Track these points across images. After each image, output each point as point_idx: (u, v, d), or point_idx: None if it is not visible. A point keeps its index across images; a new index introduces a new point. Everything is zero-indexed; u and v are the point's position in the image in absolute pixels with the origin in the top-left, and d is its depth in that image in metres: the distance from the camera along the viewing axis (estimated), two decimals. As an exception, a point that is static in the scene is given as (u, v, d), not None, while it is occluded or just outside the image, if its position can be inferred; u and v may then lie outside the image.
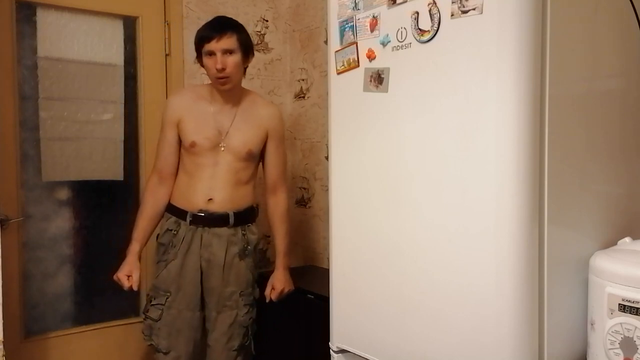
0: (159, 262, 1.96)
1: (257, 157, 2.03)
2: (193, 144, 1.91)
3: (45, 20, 2.16)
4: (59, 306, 2.23)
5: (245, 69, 1.98)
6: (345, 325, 1.42)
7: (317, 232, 2.66)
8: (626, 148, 1.27)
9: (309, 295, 2.17)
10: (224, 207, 1.93)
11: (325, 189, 2.56)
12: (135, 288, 1.93)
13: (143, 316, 1.99)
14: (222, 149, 1.93)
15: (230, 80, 1.88)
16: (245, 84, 2.64)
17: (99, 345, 2.28)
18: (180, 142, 1.96)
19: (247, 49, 1.92)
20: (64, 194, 2.25)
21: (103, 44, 2.28)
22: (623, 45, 1.24)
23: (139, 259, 1.97)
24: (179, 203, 1.95)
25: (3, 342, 1.52)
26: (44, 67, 2.16)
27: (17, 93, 2.10)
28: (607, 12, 1.20)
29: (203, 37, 1.86)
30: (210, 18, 2.57)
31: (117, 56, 2.32)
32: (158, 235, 1.99)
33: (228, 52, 1.85)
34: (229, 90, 1.92)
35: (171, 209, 1.97)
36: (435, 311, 1.18)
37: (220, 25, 1.88)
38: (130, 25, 2.34)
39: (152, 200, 1.98)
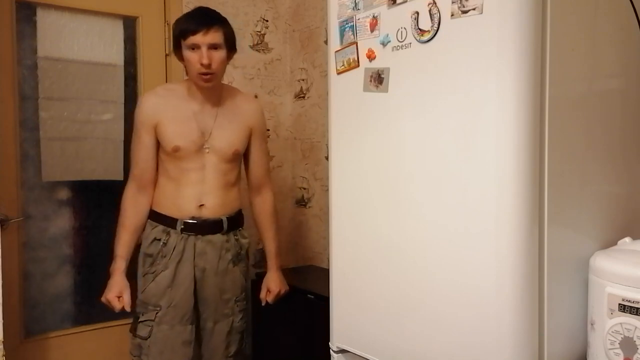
0: (145, 274, 1.81)
1: (242, 157, 1.94)
2: (176, 149, 1.77)
3: (45, 20, 2.16)
4: (59, 306, 2.24)
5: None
6: (345, 325, 1.42)
7: (317, 232, 2.66)
8: (626, 148, 1.27)
9: (309, 295, 2.17)
10: (216, 213, 1.82)
11: (325, 189, 2.56)
12: (128, 309, 1.78)
13: (130, 335, 1.83)
14: (207, 151, 1.81)
15: (214, 77, 1.76)
16: (245, 84, 2.65)
17: (99, 345, 2.28)
18: (158, 145, 1.81)
19: (232, 44, 1.81)
20: (64, 194, 2.25)
21: (103, 44, 2.28)
22: (623, 45, 1.24)
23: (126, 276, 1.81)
24: (166, 210, 1.81)
25: (3, 342, 1.52)
26: (44, 67, 2.16)
27: (17, 93, 2.10)
28: (607, 12, 1.20)
29: (187, 30, 1.72)
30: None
31: (117, 56, 2.32)
32: (141, 245, 1.85)
33: (214, 47, 1.72)
34: (210, 87, 1.79)
35: (157, 217, 1.83)
36: (435, 311, 1.18)
37: (207, 18, 1.74)
38: (130, 25, 2.34)
39: (133, 211, 1.83)
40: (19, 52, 2.11)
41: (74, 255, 2.26)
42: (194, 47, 1.71)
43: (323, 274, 2.30)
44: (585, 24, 1.15)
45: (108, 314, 2.29)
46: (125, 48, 2.33)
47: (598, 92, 1.20)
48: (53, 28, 2.18)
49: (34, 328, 2.17)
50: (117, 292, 1.77)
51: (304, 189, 2.74)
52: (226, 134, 1.84)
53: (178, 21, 1.79)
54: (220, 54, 1.74)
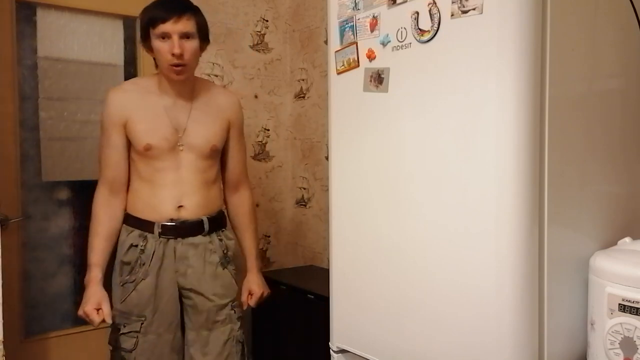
0: (124, 283, 1.68)
1: (220, 152, 1.81)
2: (148, 147, 1.64)
3: (45, 20, 2.16)
4: (59, 306, 2.24)
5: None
6: (345, 325, 1.42)
7: (317, 232, 2.66)
8: (626, 148, 1.27)
9: (309, 295, 2.17)
10: (196, 214, 1.70)
11: (325, 189, 2.56)
12: (109, 321, 1.61)
13: (110, 347, 1.70)
14: (181, 148, 1.68)
15: (187, 69, 1.63)
16: (245, 84, 2.66)
17: (99, 345, 2.28)
18: (129, 145, 1.69)
19: (205, 34, 1.68)
20: (64, 194, 2.26)
21: (103, 44, 2.28)
22: (623, 45, 1.24)
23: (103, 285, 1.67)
24: (142, 214, 1.68)
25: (3, 342, 1.52)
26: (44, 67, 2.17)
27: (17, 93, 2.10)
28: (607, 12, 1.20)
29: (156, 18, 1.58)
30: (210, 18, 2.57)
31: (117, 56, 2.32)
32: (117, 252, 1.71)
33: (186, 36, 1.60)
34: (183, 80, 1.66)
35: (132, 221, 1.70)
36: (435, 311, 1.18)
37: (178, 5, 1.61)
38: (130, 25, 2.34)
39: (106, 217, 1.68)
40: (19, 52, 2.11)
41: (74, 255, 2.26)
42: (165, 36, 1.59)
43: (323, 274, 2.30)
44: (585, 24, 1.15)
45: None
46: (125, 48, 2.33)
47: (598, 92, 1.20)
48: (53, 28, 2.18)
49: (34, 328, 2.17)
50: (95, 304, 1.61)
51: (304, 189, 2.74)
52: (202, 130, 1.71)
53: (146, 9, 1.64)
54: (193, 44, 1.62)
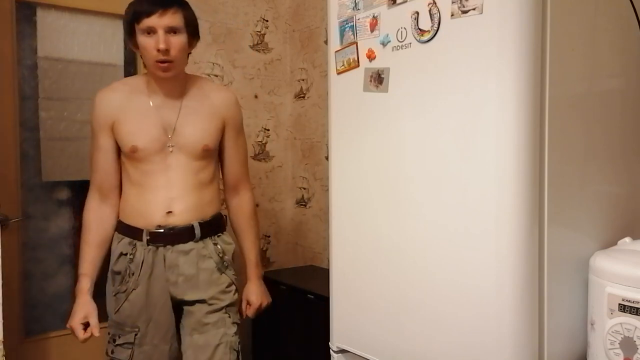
0: (116, 294, 1.61)
1: (217, 152, 1.72)
2: (134, 149, 1.56)
3: (45, 20, 2.17)
4: (59, 306, 2.24)
5: (188, 54, 1.64)
6: (345, 325, 1.42)
7: (317, 232, 2.66)
8: (626, 148, 1.27)
9: (309, 295, 2.17)
10: (187, 219, 1.61)
11: (325, 189, 2.56)
12: (96, 334, 1.56)
13: (107, 358, 1.65)
14: (171, 149, 1.59)
15: (174, 65, 1.54)
16: (245, 84, 2.66)
17: (99, 345, 2.28)
18: (118, 148, 1.62)
19: (194, 29, 1.59)
20: (64, 194, 2.26)
21: (103, 44, 2.28)
22: (623, 45, 1.24)
23: (92, 296, 1.61)
24: (131, 220, 1.61)
25: (3, 342, 1.52)
26: (44, 67, 2.17)
27: (17, 93, 2.10)
28: (607, 12, 1.20)
29: (141, 12, 1.50)
30: (210, 18, 2.58)
31: (117, 56, 2.32)
32: (109, 261, 1.66)
33: (172, 30, 1.51)
34: (171, 78, 1.58)
35: (122, 228, 1.63)
36: (435, 311, 1.18)
37: None
38: (130, 25, 2.34)
39: (96, 224, 1.64)
40: (19, 52, 2.11)
41: (74, 255, 2.25)
42: (150, 31, 1.50)
43: (323, 274, 2.31)
44: (585, 24, 1.15)
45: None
46: (125, 48, 2.33)
47: (598, 92, 1.20)
48: (53, 28, 2.18)
49: (34, 328, 2.17)
50: (81, 318, 1.56)
51: (304, 189, 2.74)
52: (193, 129, 1.62)
53: (131, 4, 1.55)
54: (180, 39, 1.53)
